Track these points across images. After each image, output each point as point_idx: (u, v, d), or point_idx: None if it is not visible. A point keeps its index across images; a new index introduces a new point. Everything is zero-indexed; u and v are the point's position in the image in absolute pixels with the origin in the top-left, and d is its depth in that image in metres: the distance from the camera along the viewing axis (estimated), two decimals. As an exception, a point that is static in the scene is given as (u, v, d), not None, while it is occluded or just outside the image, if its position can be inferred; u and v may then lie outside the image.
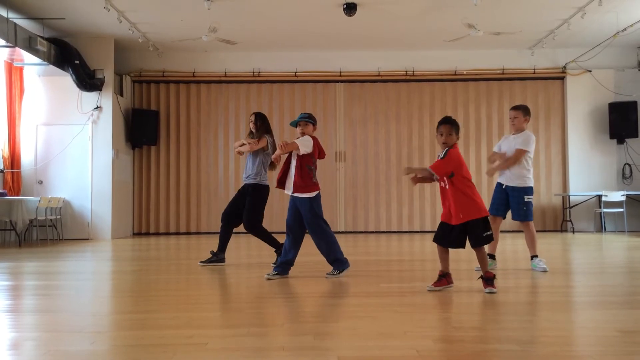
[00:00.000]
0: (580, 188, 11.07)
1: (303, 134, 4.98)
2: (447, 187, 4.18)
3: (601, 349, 2.65)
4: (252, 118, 6.03)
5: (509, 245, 8.40)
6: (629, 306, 3.75)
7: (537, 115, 11.42)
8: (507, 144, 5.47)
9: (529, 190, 5.30)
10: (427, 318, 3.39)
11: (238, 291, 4.54)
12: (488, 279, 4.16)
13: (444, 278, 4.27)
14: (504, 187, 5.39)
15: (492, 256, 5.38)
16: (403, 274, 5.24)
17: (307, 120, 5.03)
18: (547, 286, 4.56)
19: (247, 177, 5.90)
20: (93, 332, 3.12)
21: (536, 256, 5.32)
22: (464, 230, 4.14)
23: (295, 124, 5.05)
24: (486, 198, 11.23)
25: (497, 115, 11.44)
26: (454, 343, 2.78)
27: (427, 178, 4.28)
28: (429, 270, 5.57)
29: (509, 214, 5.50)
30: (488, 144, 11.32)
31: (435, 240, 4.29)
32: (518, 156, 5.30)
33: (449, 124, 4.24)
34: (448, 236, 4.21)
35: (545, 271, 5.16)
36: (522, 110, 5.50)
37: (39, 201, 8.98)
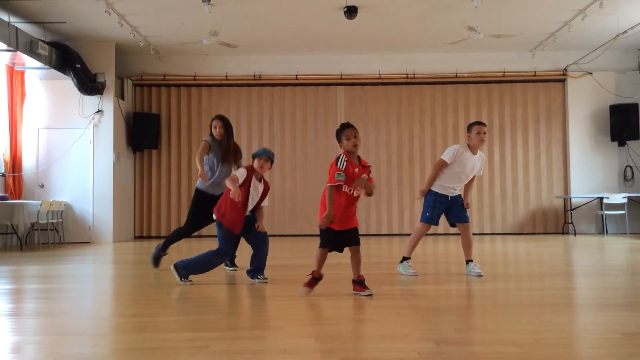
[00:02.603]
0: (581, 190, 11.06)
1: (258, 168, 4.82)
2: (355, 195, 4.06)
3: (603, 351, 2.65)
4: (218, 124, 5.64)
5: (511, 248, 8.40)
6: (631, 308, 3.74)
7: (538, 117, 11.43)
8: (472, 164, 5.17)
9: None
10: (429, 320, 3.38)
11: (239, 294, 4.54)
12: (362, 282, 4.10)
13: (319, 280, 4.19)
14: (449, 198, 5.18)
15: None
16: (404, 277, 5.23)
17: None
18: (549, 288, 4.55)
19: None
20: (94, 335, 3.12)
21: (409, 259, 5.29)
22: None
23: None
24: (500, 211, 11.23)
25: (498, 118, 11.44)
26: (455, 345, 2.77)
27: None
28: (430, 273, 5.57)
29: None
30: (489, 148, 11.32)
31: (336, 249, 4.15)
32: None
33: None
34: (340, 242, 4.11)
35: (415, 275, 5.13)
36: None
37: (41, 205, 8.98)
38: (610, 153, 11.16)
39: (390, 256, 7.19)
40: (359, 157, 4.12)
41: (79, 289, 4.98)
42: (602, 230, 10.92)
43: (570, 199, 10.98)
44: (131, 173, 11.27)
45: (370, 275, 5.26)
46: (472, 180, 5.32)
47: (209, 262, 4.86)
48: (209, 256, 4.84)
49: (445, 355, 2.59)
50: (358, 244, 4.12)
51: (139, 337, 3.05)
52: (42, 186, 10.13)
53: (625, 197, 10.27)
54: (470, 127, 5.20)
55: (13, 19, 8.37)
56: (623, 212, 10.38)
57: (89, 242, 10.06)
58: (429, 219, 5.19)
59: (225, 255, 4.88)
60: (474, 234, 10.78)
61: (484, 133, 5.11)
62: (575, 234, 10.76)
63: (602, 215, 10.73)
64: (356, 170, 4.00)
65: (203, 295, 4.46)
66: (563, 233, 11.07)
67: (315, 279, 4.15)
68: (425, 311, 3.64)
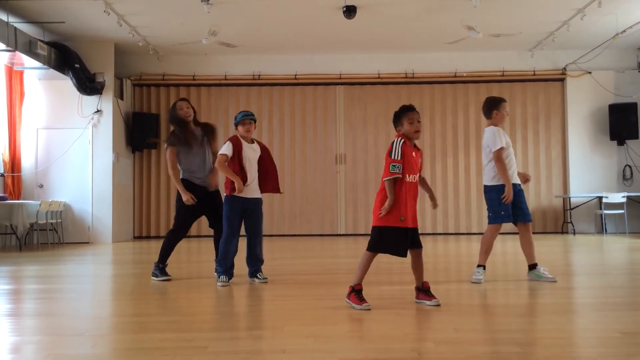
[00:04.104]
0: (580, 190, 11.06)
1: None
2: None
3: (602, 351, 2.65)
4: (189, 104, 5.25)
5: (510, 248, 8.39)
6: (630, 307, 3.74)
7: (537, 117, 11.43)
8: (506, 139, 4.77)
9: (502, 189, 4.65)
10: (428, 320, 3.38)
11: (238, 294, 4.53)
12: (427, 290, 3.83)
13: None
14: (518, 187, 4.73)
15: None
16: (404, 277, 5.22)
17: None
18: (548, 288, 4.55)
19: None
20: (93, 335, 3.12)
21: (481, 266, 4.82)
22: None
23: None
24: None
25: (497, 117, 11.43)
26: (454, 345, 2.77)
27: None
28: (430, 274, 5.56)
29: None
30: (488, 146, 11.31)
31: (404, 252, 3.77)
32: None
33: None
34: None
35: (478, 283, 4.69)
36: None
37: (40, 205, 8.98)
38: (610, 152, 11.16)
39: (389, 256, 7.17)
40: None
41: (78, 289, 4.98)
42: (602, 230, 10.92)
43: (570, 198, 10.98)
44: (130, 173, 11.26)
45: (370, 274, 5.27)
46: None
47: (226, 250, 4.82)
48: (222, 244, 4.83)
49: (445, 355, 2.59)
50: (421, 246, 3.79)
51: (138, 337, 3.05)
52: (41, 186, 10.12)
53: (624, 197, 10.27)
54: (496, 104, 4.75)
55: (12, 19, 8.36)
56: (622, 211, 10.38)
57: (88, 243, 10.05)
58: (502, 216, 4.63)
59: (234, 232, 4.82)
60: (474, 234, 10.80)
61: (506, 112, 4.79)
62: (574, 234, 10.76)
63: (602, 214, 10.73)
64: (413, 154, 3.73)
65: (202, 296, 4.45)
66: (562, 232, 11.07)
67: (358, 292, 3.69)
68: (425, 311, 3.64)
